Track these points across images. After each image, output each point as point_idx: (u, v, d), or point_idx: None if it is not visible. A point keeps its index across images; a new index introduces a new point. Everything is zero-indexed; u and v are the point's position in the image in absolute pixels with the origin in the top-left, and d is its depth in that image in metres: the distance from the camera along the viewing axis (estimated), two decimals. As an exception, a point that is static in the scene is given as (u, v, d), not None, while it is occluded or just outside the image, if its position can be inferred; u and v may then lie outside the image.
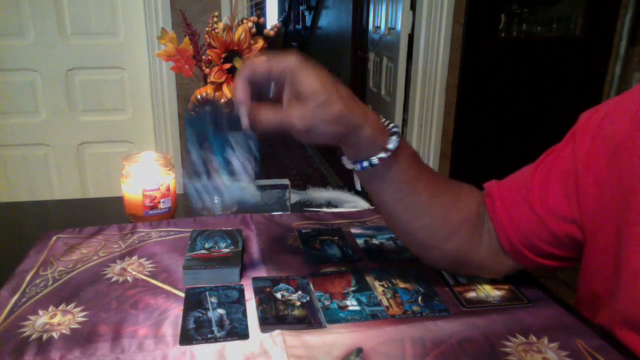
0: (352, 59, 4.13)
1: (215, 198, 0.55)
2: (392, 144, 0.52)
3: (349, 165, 0.55)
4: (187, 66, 0.83)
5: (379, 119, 0.53)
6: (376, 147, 0.52)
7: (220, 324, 0.55)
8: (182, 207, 0.90)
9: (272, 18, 7.61)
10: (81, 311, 0.57)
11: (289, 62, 0.49)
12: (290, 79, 0.49)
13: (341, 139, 0.51)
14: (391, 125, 0.54)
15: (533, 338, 0.53)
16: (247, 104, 0.51)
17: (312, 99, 0.48)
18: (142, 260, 0.69)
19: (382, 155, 0.52)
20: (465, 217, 0.60)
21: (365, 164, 0.53)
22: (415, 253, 0.64)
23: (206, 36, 0.79)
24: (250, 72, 0.51)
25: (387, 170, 0.54)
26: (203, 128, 0.54)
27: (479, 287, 0.63)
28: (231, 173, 0.54)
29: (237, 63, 0.81)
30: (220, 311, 0.57)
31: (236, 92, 0.51)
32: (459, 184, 0.63)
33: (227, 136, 0.54)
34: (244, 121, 0.51)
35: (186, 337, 0.52)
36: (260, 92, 0.53)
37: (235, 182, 0.54)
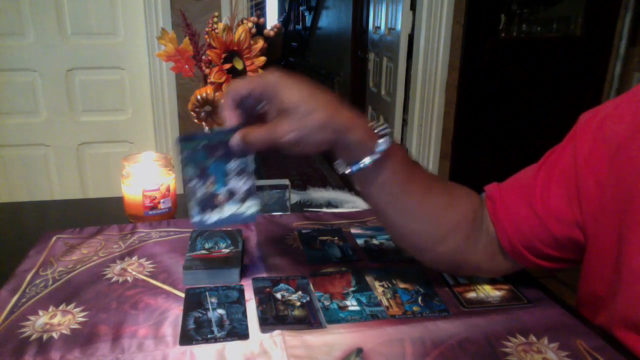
0: (352, 59, 4.13)
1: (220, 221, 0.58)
2: (381, 146, 0.53)
3: (341, 169, 0.56)
4: (187, 66, 0.83)
5: (367, 122, 0.54)
6: (366, 149, 0.53)
7: (220, 324, 0.55)
8: (182, 207, 0.90)
9: (272, 18, 7.61)
10: (81, 311, 0.57)
11: (268, 80, 0.51)
12: (272, 96, 0.51)
13: (330, 145, 0.52)
14: (382, 127, 0.54)
15: (533, 338, 0.53)
16: (237, 127, 0.53)
17: (294, 111, 0.50)
18: (142, 260, 0.69)
19: (373, 157, 0.53)
20: (460, 220, 0.60)
21: (356, 167, 0.54)
22: (412, 255, 0.64)
23: (206, 36, 0.79)
24: (234, 97, 0.53)
25: (379, 172, 0.54)
26: (201, 160, 0.55)
27: (479, 287, 0.63)
28: (236, 199, 0.57)
29: (237, 63, 0.81)
30: (220, 311, 0.57)
31: (225, 120, 0.54)
32: (454, 185, 0.63)
33: (225, 163, 0.56)
34: (237, 145, 0.53)
35: (186, 337, 0.52)
36: (250, 112, 0.56)
37: (241, 205, 0.57)
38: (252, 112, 0.56)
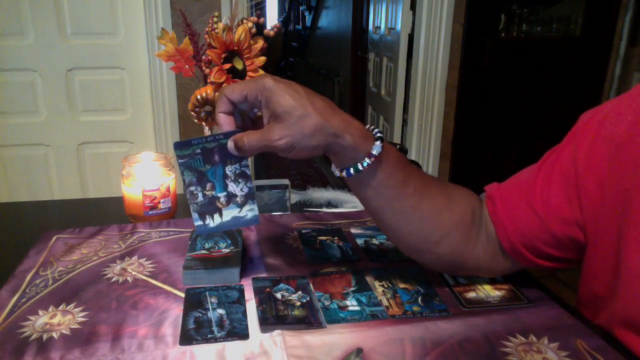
0: (352, 59, 4.13)
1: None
2: (375, 149, 0.53)
3: (336, 172, 0.57)
4: (187, 66, 0.84)
5: (361, 126, 0.54)
6: (360, 153, 0.53)
7: (220, 324, 0.55)
8: (182, 207, 0.90)
9: (272, 18, 7.61)
10: (81, 311, 0.57)
11: (261, 84, 0.52)
12: (266, 102, 0.52)
13: (324, 149, 0.53)
14: (375, 130, 0.55)
15: (533, 338, 0.53)
16: (233, 131, 0.54)
17: (288, 116, 0.50)
18: (142, 260, 0.69)
19: (367, 161, 0.53)
20: (458, 220, 0.60)
21: (352, 170, 0.54)
22: (410, 257, 0.64)
23: (206, 36, 0.79)
24: (227, 103, 0.54)
25: (373, 175, 0.55)
26: (198, 166, 0.56)
27: (479, 287, 0.63)
28: (236, 203, 0.58)
29: (237, 63, 0.81)
30: (220, 311, 0.57)
31: (220, 124, 0.54)
32: (451, 186, 0.64)
33: (223, 167, 0.57)
34: (232, 149, 0.54)
35: (186, 337, 0.52)
36: (244, 116, 0.57)
37: (241, 209, 0.59)
38: (248, 116, 0.56)
